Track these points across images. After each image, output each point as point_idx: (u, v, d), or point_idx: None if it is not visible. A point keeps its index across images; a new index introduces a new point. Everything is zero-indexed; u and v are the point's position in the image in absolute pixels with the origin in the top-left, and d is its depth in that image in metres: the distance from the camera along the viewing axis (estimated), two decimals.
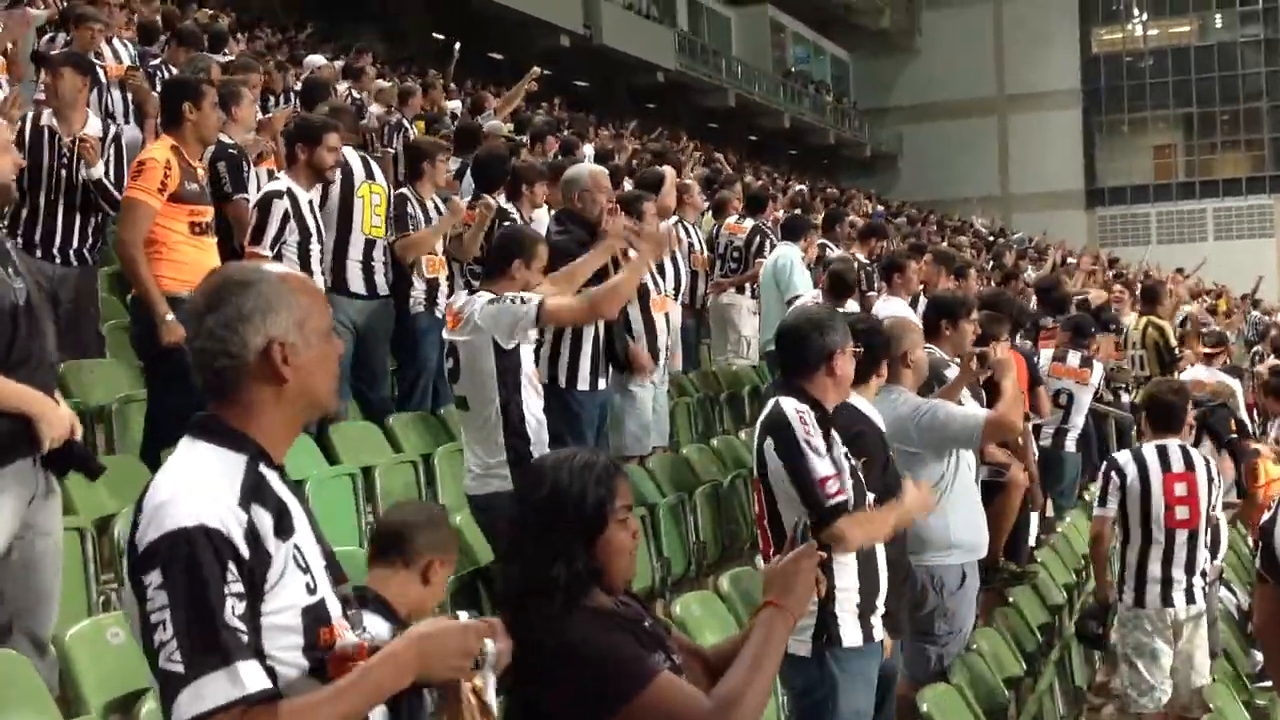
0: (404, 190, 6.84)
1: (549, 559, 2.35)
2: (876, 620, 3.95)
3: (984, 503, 5.70)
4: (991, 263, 17.02)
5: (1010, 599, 6.42)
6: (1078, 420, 8.26)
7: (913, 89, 45.91)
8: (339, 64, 13.01)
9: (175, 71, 8.39)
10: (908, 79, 46.34)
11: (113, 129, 6.46)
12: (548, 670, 2.32)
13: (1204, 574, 5.78)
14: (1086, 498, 8.88)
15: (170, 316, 5.08)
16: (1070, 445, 8.24)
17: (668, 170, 9.26)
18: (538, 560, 2.36)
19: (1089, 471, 9.06)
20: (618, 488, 2.42)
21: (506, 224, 6.56)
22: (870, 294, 8.52)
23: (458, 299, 5.12)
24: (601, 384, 6.03)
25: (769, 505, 3.96)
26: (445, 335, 5.01)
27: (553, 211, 6.93)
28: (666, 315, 6.82)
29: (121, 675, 3.32)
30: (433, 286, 6.74)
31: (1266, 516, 3.32)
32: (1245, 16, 44.19)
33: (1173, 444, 5.71)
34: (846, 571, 3.85)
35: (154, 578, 1.85)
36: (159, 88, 7.28)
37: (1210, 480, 5.73)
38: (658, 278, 6.76)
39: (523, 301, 4.66)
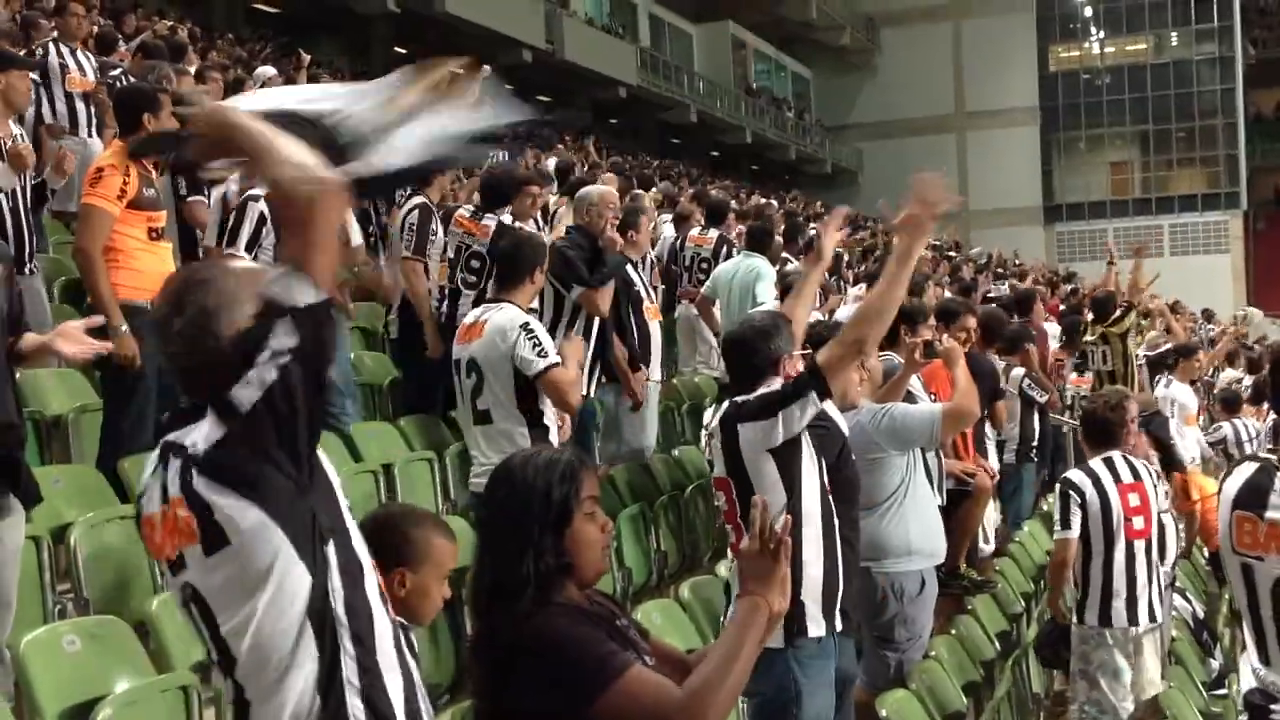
0: (423, 200, 6.80)
1: (517, 556, 2.35)
2: (837, 618, 3.94)
3: (949, 509, 5.75)
4: (948, 277, 17.13)
5: (969, 606, 6.46)
6: (1009, 430, 8.29)
7: (873, 106, 46.25)
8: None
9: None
10: (868, 96, 46.68)
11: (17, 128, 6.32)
12: (520, 666, 2.32)
13: (1172, 583, 5.76)
14: (1045, 507, 8.95)
15: (125, 328, 4.95)
16: (1010, 456, 8.27)
17: (607, 178, 9.28)
18: (506, 558, 2.37)
19: (1039, 484, 9.15)
20: (583, 481, 2.43)
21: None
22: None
23: (472, 313, 5.15)
24: (585, 392, 6.06)
25: (742, 499, 3.90)
26: (457, 349, 4.98)
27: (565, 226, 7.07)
28: (659, 322, 6.93)
29: (77, 683, 3.31)
30: (442, 291, 6.76)
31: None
32: (1200, 35, 44.82)
33: (1116, 455, 5.67)
34: (813, 561, 3.86)
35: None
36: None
37: (1155, 484, 5.75)
38: (649, 287, 6.89)
39: (541, 354, 4.74)
